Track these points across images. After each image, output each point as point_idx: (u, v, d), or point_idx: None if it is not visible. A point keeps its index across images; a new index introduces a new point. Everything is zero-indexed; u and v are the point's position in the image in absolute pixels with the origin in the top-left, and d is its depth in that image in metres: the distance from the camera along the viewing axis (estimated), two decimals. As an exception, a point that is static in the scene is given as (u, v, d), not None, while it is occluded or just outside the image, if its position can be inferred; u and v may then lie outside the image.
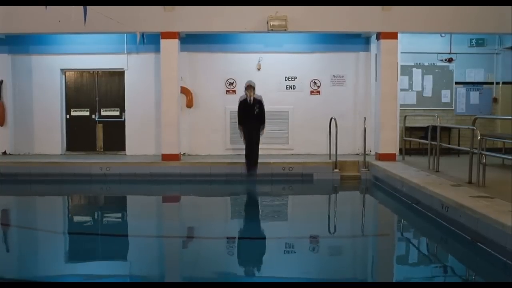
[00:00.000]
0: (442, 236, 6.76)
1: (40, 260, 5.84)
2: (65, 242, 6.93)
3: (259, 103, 10.44)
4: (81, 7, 10.33)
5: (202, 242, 6.78)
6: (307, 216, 8.23)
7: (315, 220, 7.95)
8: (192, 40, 11.80)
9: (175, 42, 11.07)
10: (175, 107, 11.23)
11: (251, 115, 10.37)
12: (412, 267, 5.80)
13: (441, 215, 6.92)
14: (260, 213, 8.69)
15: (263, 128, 10.60)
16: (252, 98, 10.40)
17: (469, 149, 8.15)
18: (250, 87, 10.39)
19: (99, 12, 9.84)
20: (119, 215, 8.82)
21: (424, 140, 10.71)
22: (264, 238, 6.97)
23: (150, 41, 11.33)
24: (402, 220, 8.15)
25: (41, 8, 10.72)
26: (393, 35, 10.94)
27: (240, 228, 7.63)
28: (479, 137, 7.61)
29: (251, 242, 6.74)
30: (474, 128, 7.82)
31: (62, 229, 7.64)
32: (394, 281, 5.24)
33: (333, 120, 10.95)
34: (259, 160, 10.60)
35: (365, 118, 11.04)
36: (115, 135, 12.59)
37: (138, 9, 10.77)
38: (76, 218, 8.41)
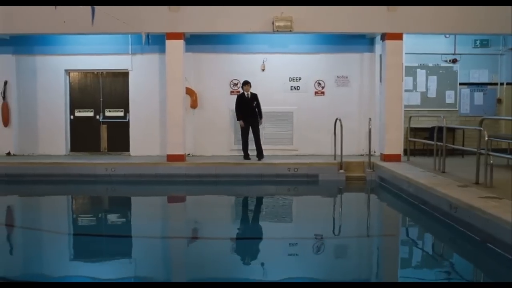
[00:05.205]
0: (451, 237, 6.75)
1: (46, 261, 5.85)
2: (72, 243, 6.92)
3: (255, 97, 11.32)
4: (86, 8, 10.40)
5: (208, 243, 6.75)
6: (316, 217, 8.24)
7: (324, 221, 7.99)
8: (196, 41, 11.79)
9: (180, 42, 11.07)
10: (180, 108, 11.22)
11: (250, 109, 11.20)
12: (423, 268, 5.79)
13: (449, 216, 6.92)
14: (267, 214, 8.68)
15: (261, 123, 11.47)
16: (249, 93, 11.28)
17: (476, 149, 8.13)
18: (247, 82, 11.32)
19: (105, 12, 9.84)
20: (127, 216, 8.74)
21: (428, 140, 10.75)
22: (272, 239, 6.95)
23: (155, 41, 11.37)
24: (411, 221, 8.11)
25: (46, 8, 10.78)
26: (398, 36, 10.95)
27: (248, 229, 7.61)
28: (486, 138, 7.61)
29: (258, 243, 6.75)
30: (482, 129, 7.82)
31: (69, 230, 7.60)
32: (406, 281, 5.24)
33: (338, 121, 10.96)
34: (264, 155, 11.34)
35: (370, 119, 11.04)
36: (119, 136, 12.59)
37: (143, 9, 10.76)
38: (83, 219, 8.39)
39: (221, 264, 5.67)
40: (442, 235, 6.94)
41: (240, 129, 11.44)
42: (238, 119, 11.34)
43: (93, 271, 5.48)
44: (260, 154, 11.23)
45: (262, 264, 5.73)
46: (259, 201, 9.70)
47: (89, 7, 10.30)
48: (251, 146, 11.34)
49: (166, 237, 7.15)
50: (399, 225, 8.07)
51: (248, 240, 6.88)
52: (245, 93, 11.30)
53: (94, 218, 8.48)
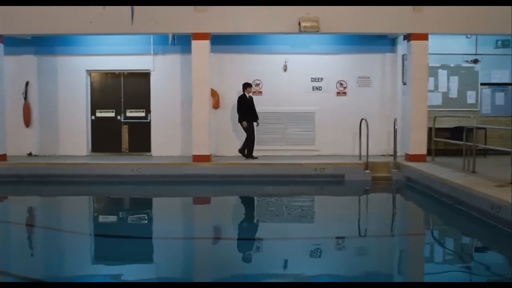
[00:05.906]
0: (495, 236, 6.76)
1: (68, 261, 5.87)
2: (102, 244, 6.78)
3: (252, 99, 11.69)
4: (111, 8, 10.44)
5: (242, 243, 6.80)
6: (357, 216, 8.45)
7: (367, 220, 8.21)
8: (218, 41, 11.75)
9: (206, 43, 11.05)
10: (206, 108, 11.21)
11: (251, 110, 11.54)
12: (471, 266, 5.84)
13: (490, 216, 6.94)
14: (302, 215, 8.65)
15: (258, 124, 11.73)
16: (250, 95, 11.67)
17: (510, 150, 8.16)
18: (250, 85, 11.69)
19: (138, 12, 9.82)
20: (166, 217, 8.50)
21: (451, 140, 10.79)
22: (313, 238, 6.89)
23: (177, 42, 11.35)
24: (451, 221, 8.00)
25: (69, 8, 10.79)
26: (424, 36, 10.95)
27: (286, 229, 7.58)
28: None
29: (295, 243, 6.71)
30: (518, 129, 7.85)
31: (98, 231, 7.60)
32: (451, 281, 5.26)
33: (363, 122, 10.98)
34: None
35: (395, 120, 11.06)
36: (141, 136, 12.57)
37: (169, 10, 10.73)
38: (121, 220, 8.34)
39: (256, 264, 5.78)
40: (486, 235, 6.97)
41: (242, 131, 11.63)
42: (241, 121, 11.44)
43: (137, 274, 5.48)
44: (243, 152, 11.57)
45: (299, 263, 5.72)
46: (291, 201, 9.64)
47: (113, 7, 10.37)
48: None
49: (207, 238, 7.12)
50: (440, 224, 8.10)
51: (285, 241, 6.85)
52: (247, 95, 11.52)
53: (136, 219, 8.39)
